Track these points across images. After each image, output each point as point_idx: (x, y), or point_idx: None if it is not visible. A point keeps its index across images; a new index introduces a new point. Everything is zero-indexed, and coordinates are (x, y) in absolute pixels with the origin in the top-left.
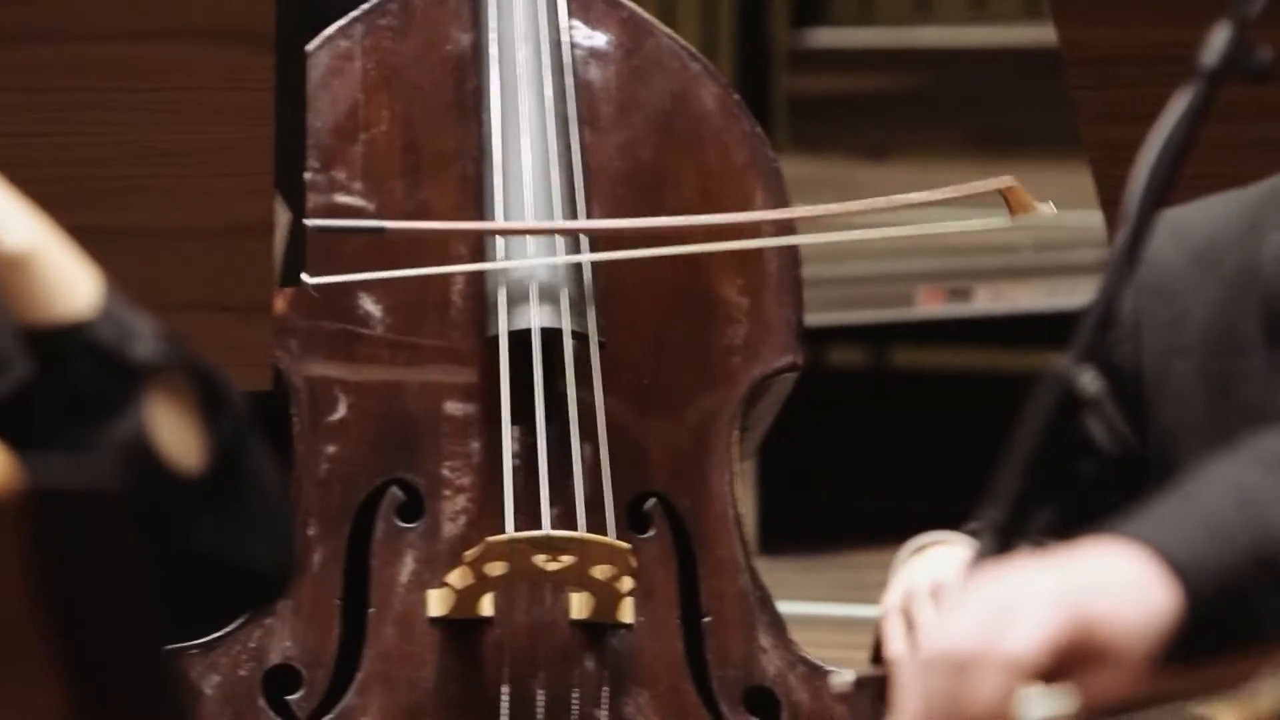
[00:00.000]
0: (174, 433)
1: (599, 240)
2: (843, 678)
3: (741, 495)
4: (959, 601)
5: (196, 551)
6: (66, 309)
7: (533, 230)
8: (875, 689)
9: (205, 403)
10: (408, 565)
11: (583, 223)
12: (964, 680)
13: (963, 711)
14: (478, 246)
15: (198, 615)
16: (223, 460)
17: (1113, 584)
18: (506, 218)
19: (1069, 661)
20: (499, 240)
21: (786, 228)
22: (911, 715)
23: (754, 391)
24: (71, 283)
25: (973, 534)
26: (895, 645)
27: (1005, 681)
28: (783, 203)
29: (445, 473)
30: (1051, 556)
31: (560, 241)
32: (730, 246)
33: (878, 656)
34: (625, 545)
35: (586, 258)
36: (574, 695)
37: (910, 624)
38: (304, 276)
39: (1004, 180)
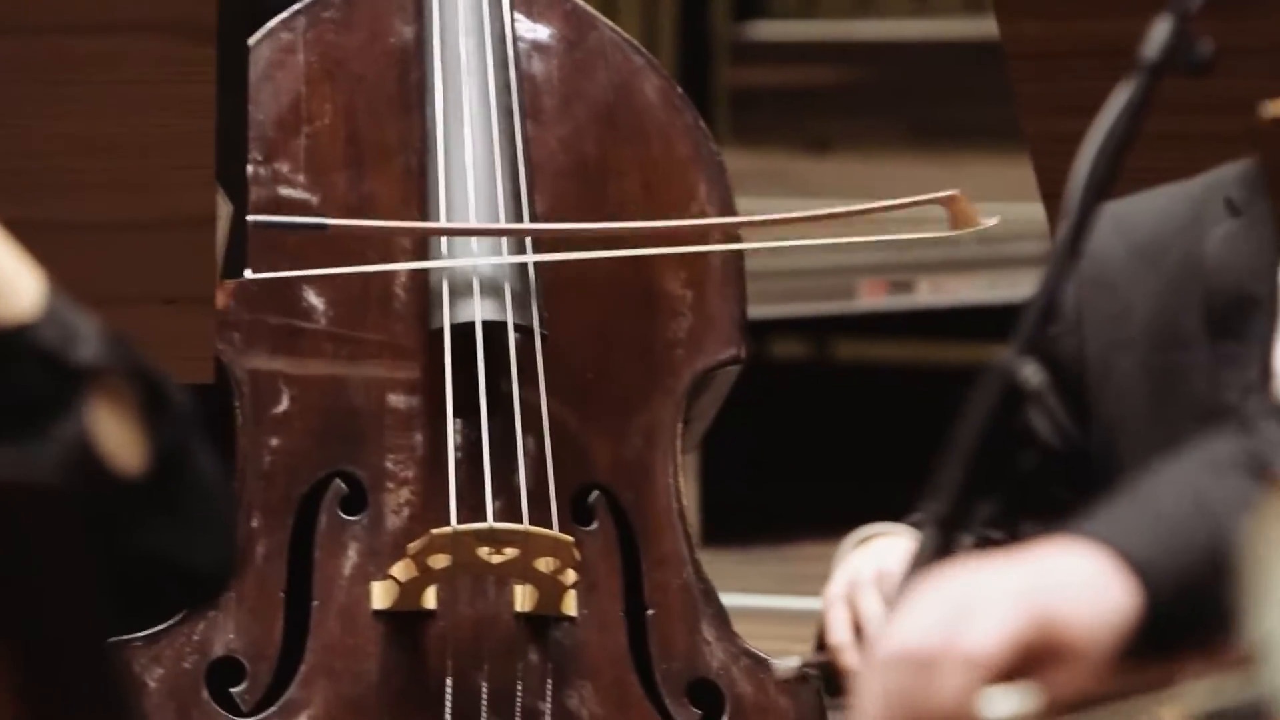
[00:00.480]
0: (116, 434)
1: (543, 238)
2: (786, 664)
3: (685, 488)
4: (917, 599)
5: (136, 551)
6: (8, 312)
7: (476, 231)
8: (819, 676)
9: (147, 404)
10: (351, 558)
11: (527, 226)
12: (924, 679)
13: (923, 710)
14: (421, 241)
15: (136, 613)
16: (164, 462)
17: (1072, 583)
18: (450, 215)
19: (1029, 660)
20: (443, 237)
21: (730, 231)
22: (871, 715)
23: (697, 384)
24: (13, 285)
25: (916, 526)
26: (838, 633)
27: (966, 680)
28: (726, 196)
29: (389, 466)
30: (1010, 555)
31: (504, 241)
32: (672, 251)
33: (821, 645)
34: (569, 538)
35: (530, 258)
36: (517, 688)
37: (854, 613)
38: (247, 273)
39: (948, 193)
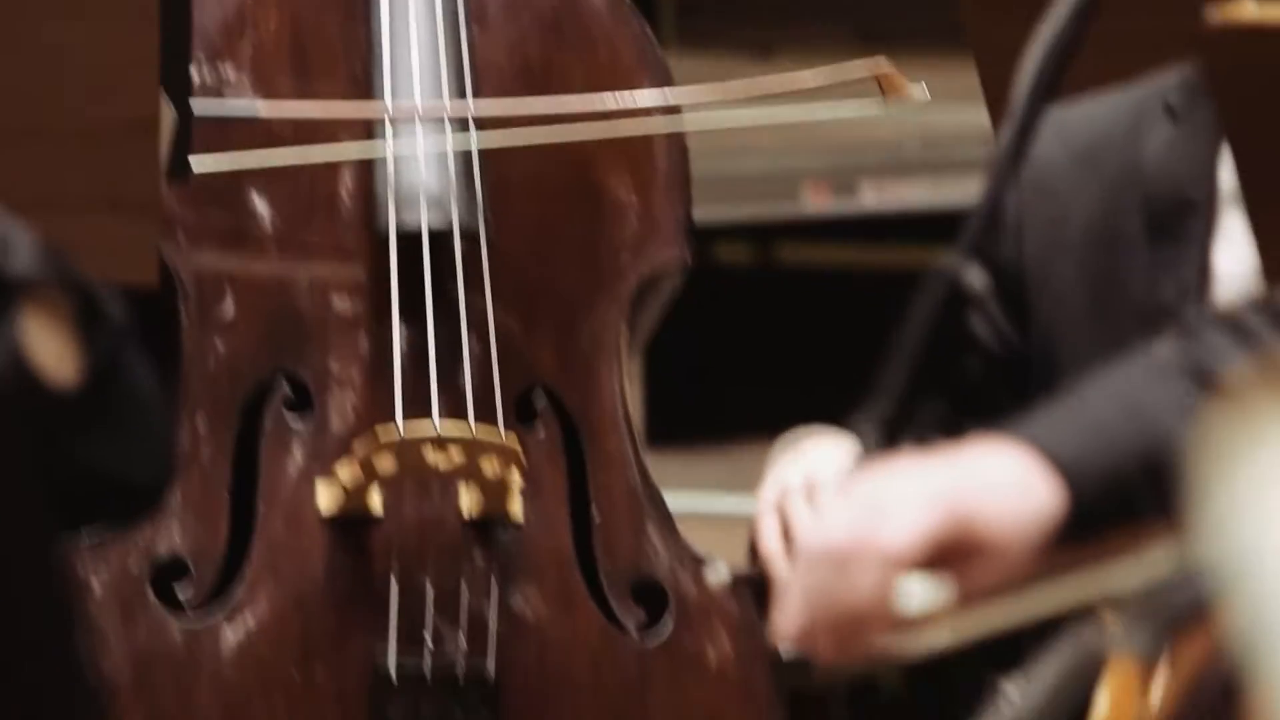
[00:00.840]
0: (49, 347)
1: (486, 128)
2: (718, 575)
3: (630, 391)
4: (838, 498)
5: (71, 463)
6: None
7: (413, 114)
8: (751, 586)
9: (82, 317)
10: (296, 460)
11: (470, 102)
12: (843, 575)
13: (842, 605)
14: (366, 139)
15: (71, 525)
16: (99, 375)
17: (995, 481)
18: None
19: (948, 554)
20: (387, 131)
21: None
22: (794, 612)
23: (642, 288)
24: None
25: (856, 428)
26: (769, 543)
27: (883, 574)
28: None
29: (334, 367)
30: (934, 455)
31: (449, 132)
32: (619, 133)
33: (755, 553)
34: (514, 441)
35: (475, 144)
36: (462, 590)
37: (784, 521)
38: (191, 158)
39: (877, 63)
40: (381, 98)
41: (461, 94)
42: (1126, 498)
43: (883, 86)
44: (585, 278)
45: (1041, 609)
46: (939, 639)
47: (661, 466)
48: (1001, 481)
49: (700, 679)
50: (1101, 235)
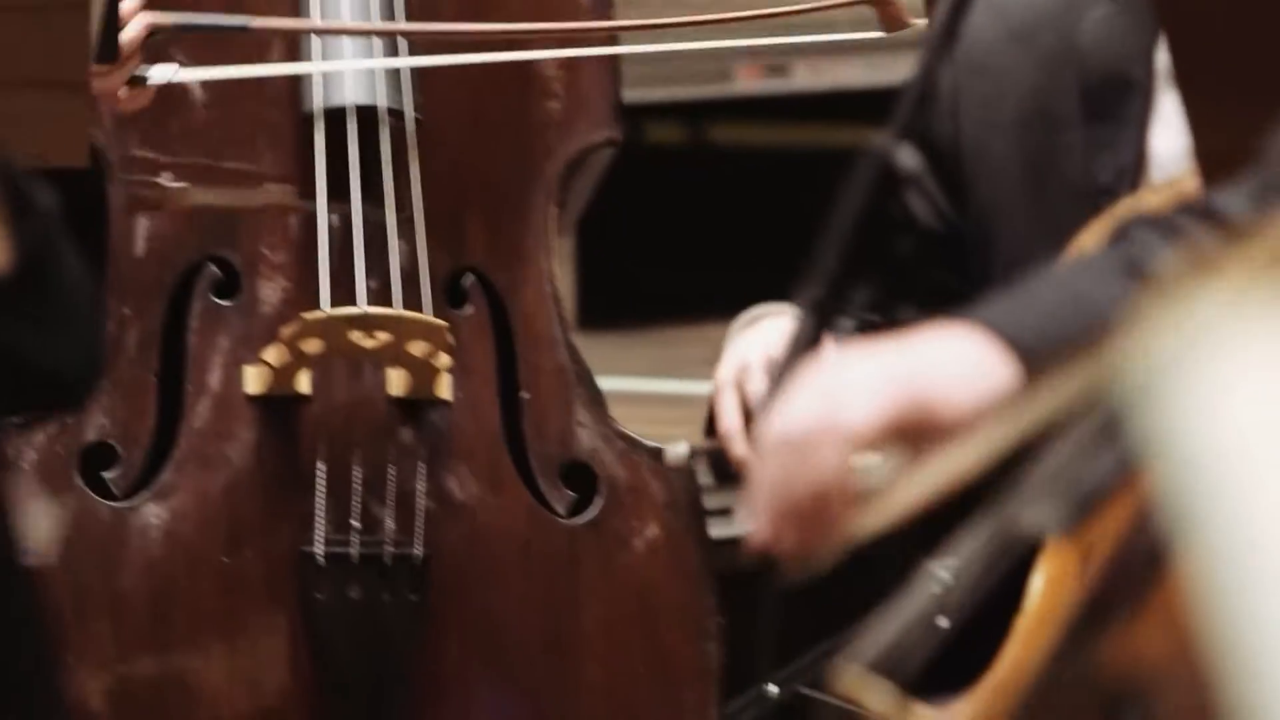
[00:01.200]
0: None
1: (418, 44)
2: (677, 450)
3: (560, 272)
4: (797, 386)
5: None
6: None
7: (351, 30)
8: (708, 460)
9: (12, 205)
10: (224, 343)
11: (402, 25)
12: (804, 459)
13: (804, 489)
14: (294, 47)
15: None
16: (29, 262)
17: (950, 363)
18: (323, 14)
19: (905, 435)
20: (314, 41)
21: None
22: (761, 500)
23: (571, 167)
24: None
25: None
26: (728, 419)
27: (843, 454)
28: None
29: (261, 250)
30: (891, 340)
31: (377, 44)
32: (560, 54)
33: (712, 429)
34: (442, 322)
35: (404, 62)
36: (391, 471)
37: (743, 399)
38: (151, 73)
39: None
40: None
41: (390, 10)
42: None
43: (883, 18)
44: (514, 158)
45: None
46: (894, 512)
47: (592, 348)
48: (958, 363)
49: (630, 560)
50: (1037, 114)
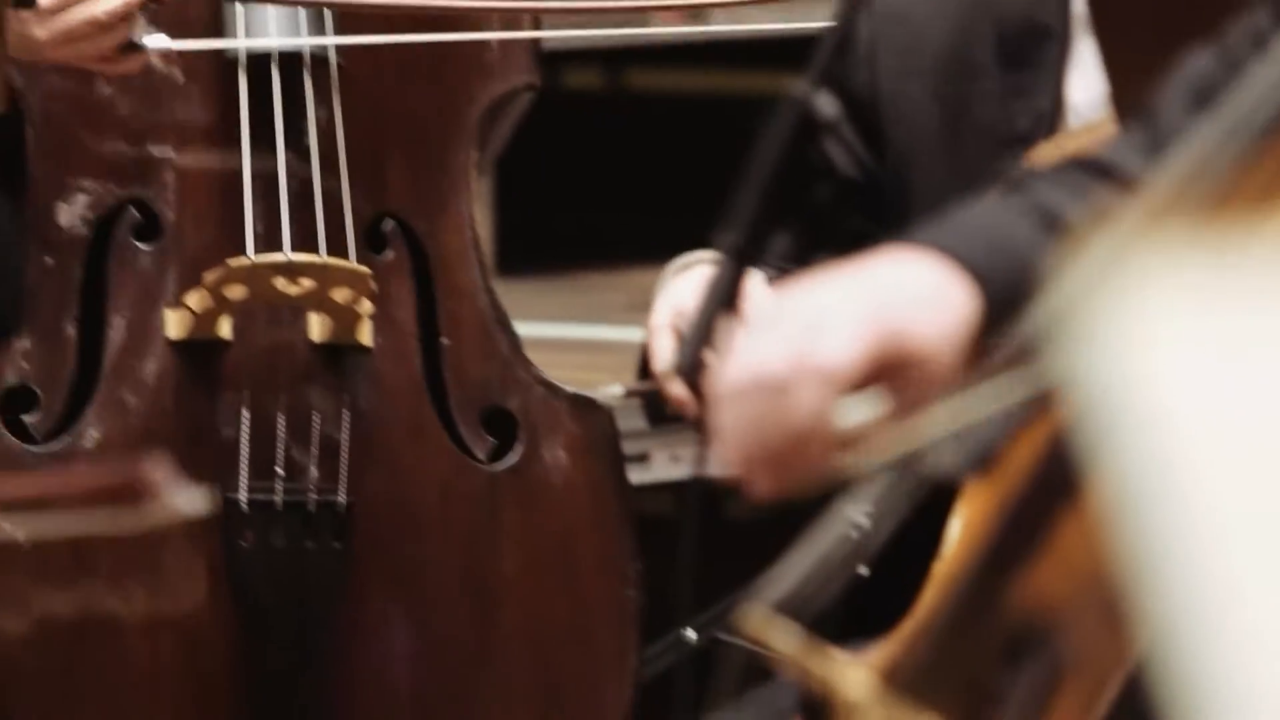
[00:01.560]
0: None
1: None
2: (610, 391)
3: (480, 218)
4: (760, 324)
5: None
6: None
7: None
8: (643, 402)
9: None
10: (145, 288)
11: None
12: (779, 400)
13: (782, 431)
14: (216, 10)
15: None
16: None
17: (917, 294)
18: None
19: (881, 370)
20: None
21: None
22: (732, 445)
23: (491, 112)
24: None
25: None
26: (663, 359)
27: (822, 394)
28: None
29: (183, 194)
30: (850, 270)
31: (303, 18)
32: (481, 6)
33: (645, 373)
34: (365, 269)
35: (331, 41)
36: (314, 417)
37: (678, 342)
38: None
39: None
40: None
41: None
42: (1027, 297)
43: None
44: (434, 101)
45: (972, 413)
46: (878, 456)
47: (511, 294)
48: (924, 292)
49: (550, 505)
50: (954, 62)
